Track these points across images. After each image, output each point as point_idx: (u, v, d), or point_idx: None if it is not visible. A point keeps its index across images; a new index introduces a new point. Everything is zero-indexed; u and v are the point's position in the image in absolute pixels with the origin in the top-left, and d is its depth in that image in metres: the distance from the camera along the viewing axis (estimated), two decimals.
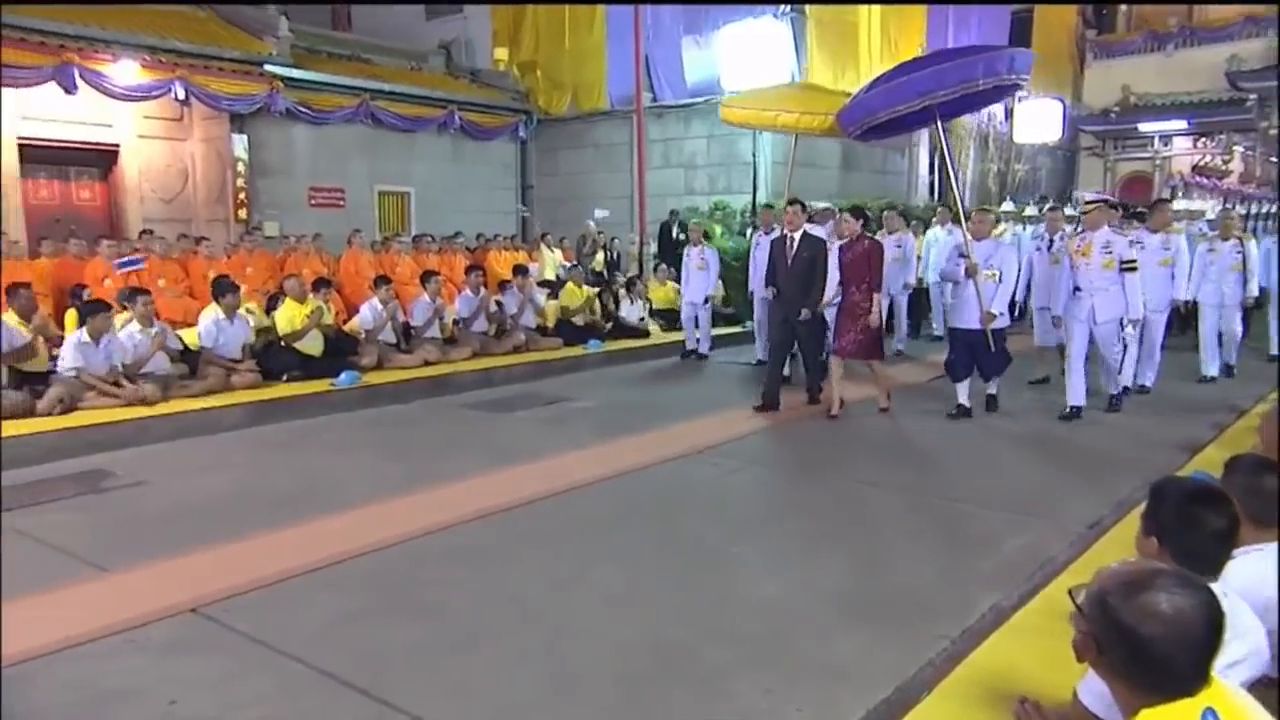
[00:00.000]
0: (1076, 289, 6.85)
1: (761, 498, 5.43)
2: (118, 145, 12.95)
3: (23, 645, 3.27)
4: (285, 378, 7.85)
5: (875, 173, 16.77)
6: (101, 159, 13.05)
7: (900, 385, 8.18)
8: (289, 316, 8.25)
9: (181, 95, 12.14)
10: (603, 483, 5.47)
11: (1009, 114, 19.28)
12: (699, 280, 10.27)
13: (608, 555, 4.27)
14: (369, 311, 8.82)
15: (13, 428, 6.07)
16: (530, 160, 17.64)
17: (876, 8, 15.47)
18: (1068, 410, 6.94)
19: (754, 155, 14.39)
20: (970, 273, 6.86)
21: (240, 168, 13.24)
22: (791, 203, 7.42)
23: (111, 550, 4.31)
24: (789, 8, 14.32)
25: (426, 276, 9.55)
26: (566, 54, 16.99)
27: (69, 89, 11.12)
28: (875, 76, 8.54)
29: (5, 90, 11.18)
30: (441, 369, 8.79)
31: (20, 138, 11.80)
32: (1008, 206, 14.54)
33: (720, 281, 11.43)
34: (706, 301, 10.41)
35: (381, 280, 9.15)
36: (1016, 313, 9.31)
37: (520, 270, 10.41)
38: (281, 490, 5.39)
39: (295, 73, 13.59)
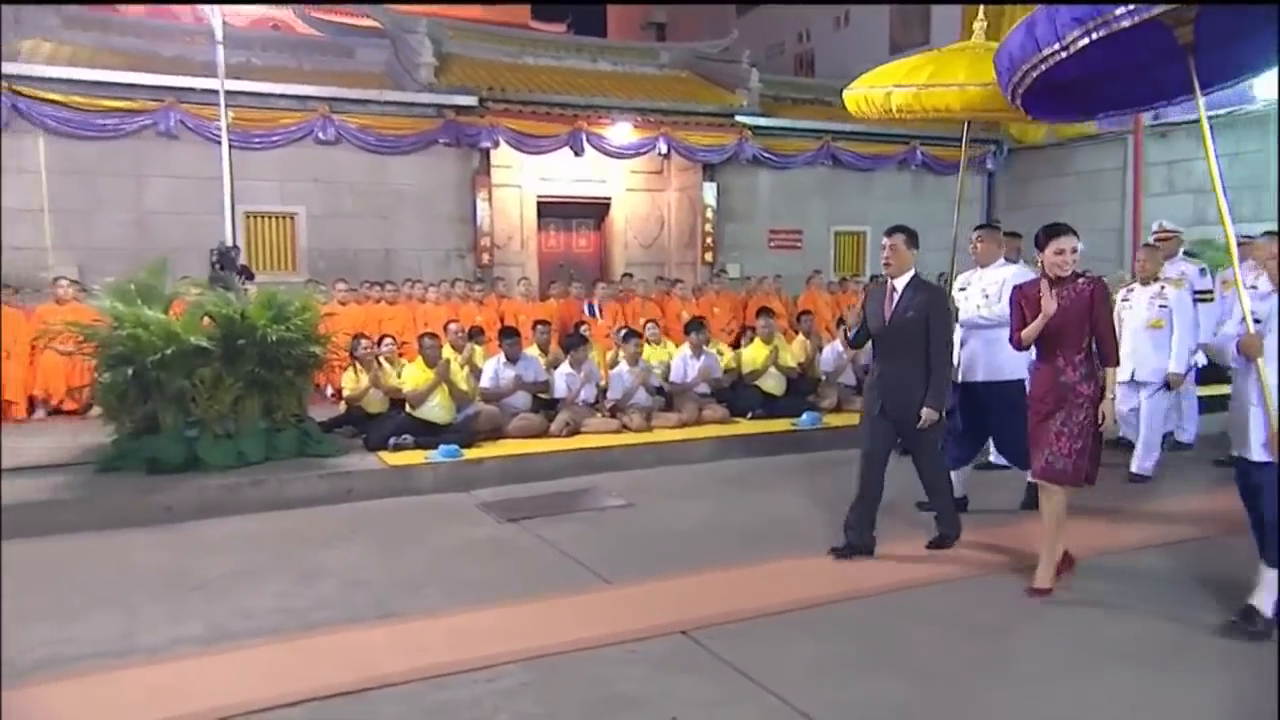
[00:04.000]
0: None
1: None
2: (610, 198, 15.09)
3: (547, 641, 3.88)
4: (749, 415, 8.37)
5: None
6: (596, 211, 15.30)
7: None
8: (751, 356, 8.82)
9: (664, 150, 13.76)
10: (1107, 555, 4.92)
11: None
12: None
13: (1119, 645, 3.82)
14: (830, 353, 9.06)
15: (531, 446, 7.32)
16: (997, 192, 16.82)
17: None
18: None
19: None
20: (1248, 352, 3.77)
21: (709, 214, 14.57)
22: (893, 232, 4.85)
23: (611, 563, 4.93)
24: None
25: None
26: None
27: (578, 152, 13.25)
28: None
29: (530, 157, 13.68)
30: None
31: (539, 196, 14.39)
32: None
33: None
34: None
35: (842, 322, 9.35)
36: None
37: None
38: (748, 524, 5.74)
39: (762, 121, 14.61)
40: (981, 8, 7.54)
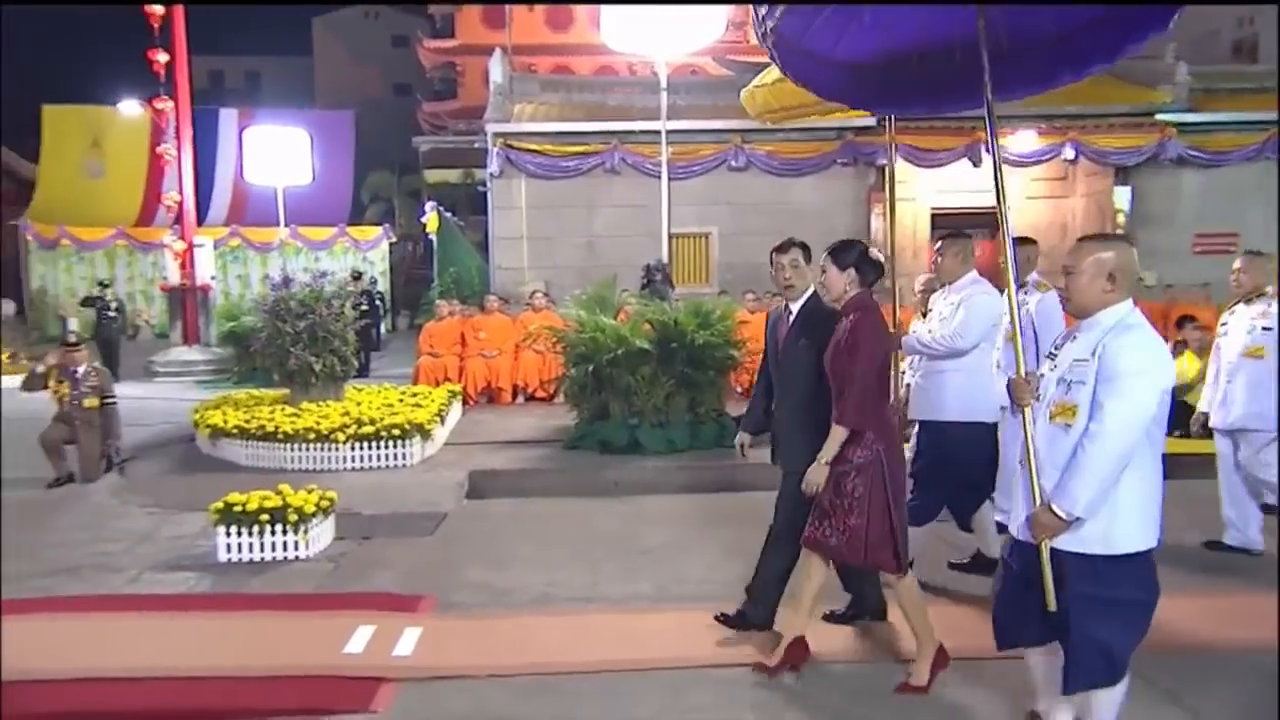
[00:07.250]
0: None
1: None
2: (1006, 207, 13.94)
3: (972, 643, 3.65)
4: (1177, 433, 7.19)
5: None
6: (991, 220, 14.14)
7: None
8: (1180, 370, 7.58)
9: (1070, 155, 12.42)
10: None
11: None
12: None
13: None
14: None
15: None
16: None
17: None
18: None
19: None
20: (1017, 398, 2.71)
21: (1120, 219, 12.86)
22: (789, 247, 3.68)
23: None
24: None
25: None
26: None
27: (976, 163, 12.45)
28: None
29: (927, 171, 13.12)
30: None
31: (933, 209, 13.76)
32: None
33: None
34: None
35: None
36: None
37: None
38: (1195, 548, 4.92)
39: (1189, 117, 12.54)
40: None
